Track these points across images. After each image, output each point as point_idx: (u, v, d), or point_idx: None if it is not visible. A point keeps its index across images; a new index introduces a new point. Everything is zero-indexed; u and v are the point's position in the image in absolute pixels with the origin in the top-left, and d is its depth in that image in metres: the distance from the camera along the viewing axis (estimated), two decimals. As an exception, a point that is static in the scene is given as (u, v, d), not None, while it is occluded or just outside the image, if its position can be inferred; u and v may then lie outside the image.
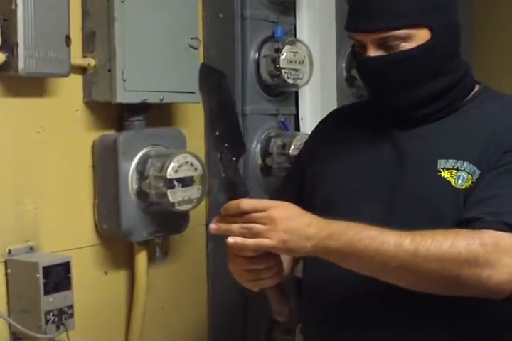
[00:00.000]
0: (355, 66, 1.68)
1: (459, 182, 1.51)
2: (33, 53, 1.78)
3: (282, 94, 2.57)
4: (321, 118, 2.60)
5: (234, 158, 1.48)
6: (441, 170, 1.53)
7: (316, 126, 1.86)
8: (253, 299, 2.46)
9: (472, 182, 1.50)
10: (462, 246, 1.37)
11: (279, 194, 1.85)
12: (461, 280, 1.38)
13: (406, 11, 1.51)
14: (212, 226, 1.44)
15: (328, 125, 1.82)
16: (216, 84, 1.52)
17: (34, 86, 1.92)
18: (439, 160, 1.54)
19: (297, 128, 2.64)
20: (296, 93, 2.63)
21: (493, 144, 1.51)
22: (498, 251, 1.38)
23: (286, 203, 1.44)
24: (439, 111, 1.59)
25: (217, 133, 1.48)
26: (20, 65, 1.77)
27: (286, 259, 1.68)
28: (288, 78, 2.45)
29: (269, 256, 1.46)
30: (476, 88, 1.64)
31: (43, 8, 1.79)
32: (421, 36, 1.53)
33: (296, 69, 2.47)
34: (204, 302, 2.47)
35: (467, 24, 3.44)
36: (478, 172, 1.51)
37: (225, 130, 1.49)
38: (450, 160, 1.53)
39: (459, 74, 1.60)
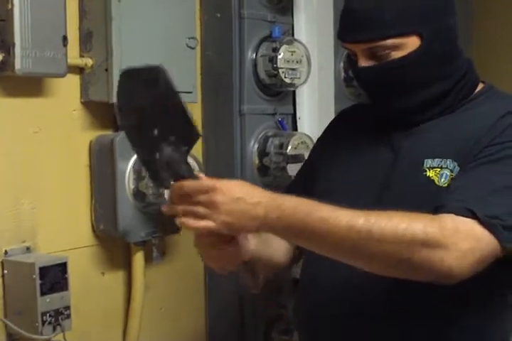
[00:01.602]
0: (352, 74, 1.67)
1: (442, 180, 1.51)
2: (30, 53, 1.78)
3: (280, 93, 2.56)
4: (319, 117, 2.63)
5: (186, 148, 1.41)
6: (427, 170, 1.53)
7: (328, 125, 1.86)
8: (251, 299, 2.46)
9: (451, 178, 1.50)
10: (419, 228, 1.35)
11: (288, 189, 1.86)
12: (413, 262, 1.35)
13: (391, 20, 1.49)
14: (163, 207, 1.40)
15: (335, 125, 1.83)
16: (149, 83, 1.42)
17: (31, 86, 1.92)
18: (425, 160, 1.54)
19: (295, 128, 2.63)
20: (294, 92, 2.62)
21: (474, 139, 1.51)
22: (457, 235, 1.35)
23: (233, 182, 1.38)
24: (438, 114, 1.59)
25: (155, 132, 1.40)
26: (17, 64, 1.77)
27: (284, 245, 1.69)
28: (285, 78, 2.44)
29: (224, 243, 1.46)
30: (479, 88, 1.63)
31: (39, 8, 1.79)
32: (411, 44, 1.51)
33: (293, 69, 2.46)
34: (202, 302, 2.47)
35: (465, 23, 3.44)
36: (457, 168, 1.50)
37: (169, 122, 1.40)
38: (436, 159, 1.53)
39: (457, 76, 1.58)
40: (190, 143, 1.42)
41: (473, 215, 1.38)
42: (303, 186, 1.77)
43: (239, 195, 1.36)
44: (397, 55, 1.52)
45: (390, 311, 1.53)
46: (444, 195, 1.46)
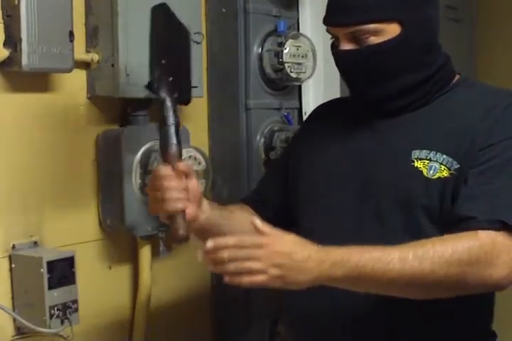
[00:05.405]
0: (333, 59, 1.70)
1: (431, 172, 1.54)
2: (37, 49, 1.79)
3: (285, 88, 2.56)
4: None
5: (175, 95, 1.57)
6: (415, 160, 1.56)
7: (306, 119, 1.91)
8: (257, 293, 2.46)
9: (450, 174, 1.53)
10: (463, 250, 1.40)
11: (264, 184, 1.89)
12: (467, 283, 1.42)
13: (373, 5, 1.53)
14: (210, 267, 1.40)
15: (314, 118, 1.88)
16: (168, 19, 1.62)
17: (37, 81, 1.93)
18: (413, 151, 1.57)
19: (301, 122, 2.63)
20: (300, 87, 2.62)
21: (469, 138, 1.53)
22: (496, 249, 1.41)
23: (285, 236, 1.41)
24: (414, 103, 1.61)
25: (163, 61, 1.56)
26: (24, 60, 1.77)
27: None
28: (291, 72, 2.44)
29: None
30: (455, 79, 1.66)
31: (45, 4, 1.80)
32: (391, 30, 1.55)
33: (299, 63, 2.47)
34: (208, 296, 2.48)
35: (470, 20, 3.44)
36: (455, 163, 1.53)
37: (173, 61, 1.56)
38: (424, 151, 1.56)
39: (434, 67, 1.61)
40: (182, 96, 1.60)
41: (504, 226, 1.43)
42: (283, 180, 1.79)
43: (291, 250, 1.38)
44: (376, 40, 1.55)
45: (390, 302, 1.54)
46: (466, 203, 1.48)
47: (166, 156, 1.57)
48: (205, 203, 1.65)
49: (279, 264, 1.36)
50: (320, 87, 2.65)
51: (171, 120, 1.57)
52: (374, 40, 1.55)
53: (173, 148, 1.56)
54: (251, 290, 2.45)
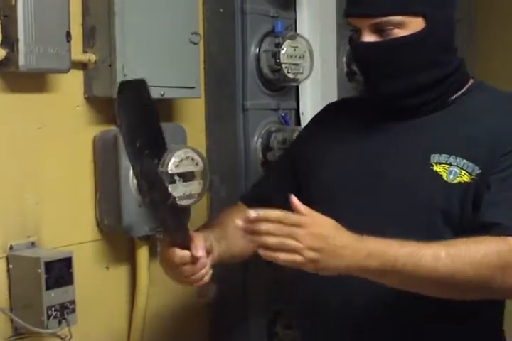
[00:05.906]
0: (351, 52, 1.69)
1: (451, 176, 1.53)
2: (34, 49, 1.78)
3: (283, 88, 2.57)
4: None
5: (156, 161, 1.47)
6: (434, 164, 1.55)
7: (313, 118, 1.89)
8: (255, 294, 2.46)
9: (472, 179, 1.52)
10: (494, 254, 1.40)
11: (265, 184, 1.88)
12: (493, 287, 1.41)
13: None
14: (247, 237, 1.37)
15: (324, 117, 1.86)
16: (133, 95, 1.46)
17: (35, 82, 1.92)
18: (432, 155, 1.56)
19: (298, 123, 2.64)
20: (297, 88, 2.63)
21: (489, 143, 1.53)
22: None
23: (321, 219, 1.39)
24: (429, 104, 1.61)
25: (137, 144, 1.43)
26: (21, 60, 1.77)
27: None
28: (288, 73, 2.45)
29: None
30: (470, 83, 1.67)
31: (43, 4, 1.79)
32: (415, 24, 1.55)
33: (296, 64, 2.47)
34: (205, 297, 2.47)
35: (469, 20, 3.44)
36: (477, 169, 1.52)
37: (147, 136, 1.45)
38: (443, 155, 1.55)
39: (450, 68, 1.62)
40: (159, 157, 1.50)
41: None
42: (285, 181, 1.78)
43: (329, 234, 1.37)
44: (399, 33, 1.55)
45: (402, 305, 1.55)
46: (489, 209, 1.48)
47: (176, 241, 1.51)
48: (215, 246, 1.63)
49: (317, 248, 1.34)
50: (317, 87, 2.65)
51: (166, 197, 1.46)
52: (398, 32, 1.55)
53: (184, 234, 1.50)
54: (249, 294, 2.45)
